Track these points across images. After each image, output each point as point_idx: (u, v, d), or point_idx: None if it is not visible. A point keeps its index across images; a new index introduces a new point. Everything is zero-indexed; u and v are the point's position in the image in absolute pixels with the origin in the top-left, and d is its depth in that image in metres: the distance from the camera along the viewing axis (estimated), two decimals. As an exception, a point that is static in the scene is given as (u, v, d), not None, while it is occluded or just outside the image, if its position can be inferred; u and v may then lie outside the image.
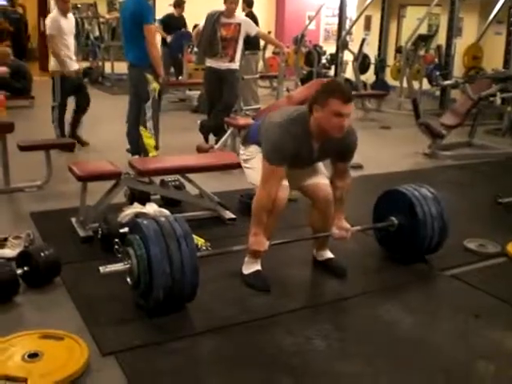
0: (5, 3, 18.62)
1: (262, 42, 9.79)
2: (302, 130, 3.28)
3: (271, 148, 3.28)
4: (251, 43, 8.41)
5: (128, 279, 3.15)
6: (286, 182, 3.43)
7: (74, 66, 6.81)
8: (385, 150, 7.47)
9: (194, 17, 9.86)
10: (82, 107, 7.03)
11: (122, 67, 12.70)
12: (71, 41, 6.86)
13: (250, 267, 3.57)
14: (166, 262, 2.98)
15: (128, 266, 3.09)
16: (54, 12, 6.93)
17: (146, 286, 3.05)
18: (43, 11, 14.62)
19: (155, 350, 2.87)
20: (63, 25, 6.64)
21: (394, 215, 3.87)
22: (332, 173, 3.61)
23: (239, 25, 6.78)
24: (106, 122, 8.71)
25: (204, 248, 3.88)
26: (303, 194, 3.70)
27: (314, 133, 3.30)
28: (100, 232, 3.97)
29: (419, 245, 3.82)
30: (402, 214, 3.84)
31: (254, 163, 3.54)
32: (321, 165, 3.68)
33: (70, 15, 6.95)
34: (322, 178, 3.62)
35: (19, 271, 3.38)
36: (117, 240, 3.24)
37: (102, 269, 3.07)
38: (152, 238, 3.01)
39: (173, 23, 10.48)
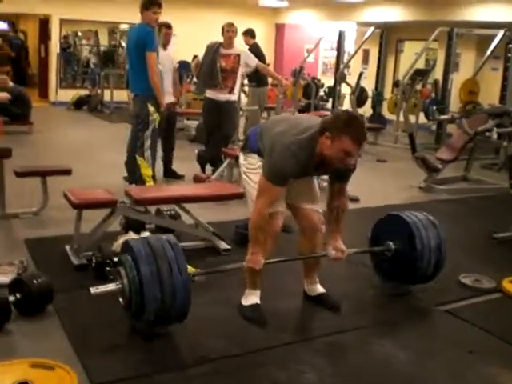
0: (6, 29, 18.83)
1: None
2: (308, 154, 3.20)
3: (274, 169, 3.21)
4: (260, 78, 8.47)
5: (120, 299, 3.11)
6: (282, 208, 3.42)
7: (167, 99, 6.46)
8: (381, 183, 7.49)
9: (193, 48, 9.93)
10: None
11: (121, 95, 12.91)
12: (168, 74, 6.70)
13: (249, 299, 3.54)
14: (157, 286, 2.95)
15: (119, 286, 3.06)
16: None
17: (138, 308, 3.02)
18: (44, 38, 14.74)
19: (146, 381, 2.85)
20: (161, 56, 6.32)
21: (392, 240, 3.84)
22: (329, 193, 3.54)
23: (238, 56, 6.84)
24: (103, 149, 8.73)
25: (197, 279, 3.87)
26: (293, 214, 3.64)
27: (318, 154, 3.21)
28: (94, 260, 3.95)
29: (413, 274, 3.81)
30: (401, 241, 3.80)
31: (255, 180, 3.44)
32: (317, 192, 3.65)
33: (170, 49, 6.98)
34: (315, 205, 3.59)
35: (11, 298, 3.35)
36: (109, 261, 3.21)
37: (92, 290, 3.04)
38: (143, 260, 2.98)
39: None
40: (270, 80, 9.36)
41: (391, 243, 3.83)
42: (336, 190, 3.51)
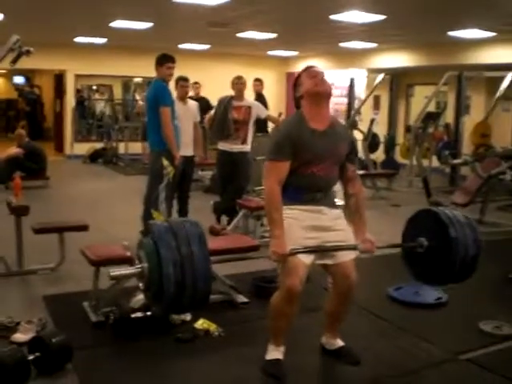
0: (23, 83, 19.22)
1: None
2: (297, 120, 3.41)
3: (270, 144, 3.40)
4: (260, 126, 8.58)
5: (140, 284, 2.97)
6: (302, 274, 3.28)
7: (184, 152, 6.48)
8: (395, 229, 7.38)
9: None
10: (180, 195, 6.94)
11: (135, 147, 13.10)
12: (186, 127, 6.65)
13: (272, 354, 3.48)
14: (177, 266, 2.77)
15: (139, 269, 2.88)
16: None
17: (157, 288, 2.82)
18: (59, 92, 15.01)
19: None
20: (179, 110, 6.41)
21: (423, 235, 3.64)
22: (342, 181, 3.55)
23: (250, 107, 6.93)
24: (119, 202, 8.82)
25: (216, 334, 3.86)
26: (324, 268, 3.48)
27: (309, 116, 3.38)
28: (112, 317, 3.95)
29: (452, 262, 3.57)
30: (432, 232, 3.58)
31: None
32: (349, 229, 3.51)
33: (191, 103, 7.10)
34: (350, 254, 3.46)
35: (31, 357, 3.36)
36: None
37: (111, 271, 2.93)
38: (163, 240, 2.83)
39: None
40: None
41: (423, 238, 3.61)
42: (348, 174, 3.51)
